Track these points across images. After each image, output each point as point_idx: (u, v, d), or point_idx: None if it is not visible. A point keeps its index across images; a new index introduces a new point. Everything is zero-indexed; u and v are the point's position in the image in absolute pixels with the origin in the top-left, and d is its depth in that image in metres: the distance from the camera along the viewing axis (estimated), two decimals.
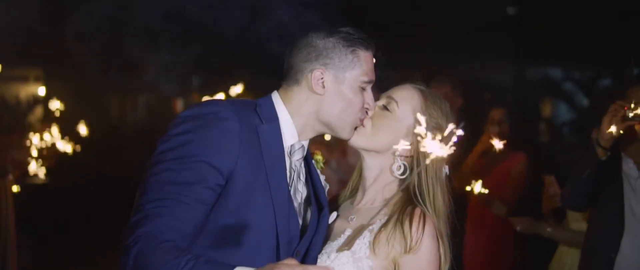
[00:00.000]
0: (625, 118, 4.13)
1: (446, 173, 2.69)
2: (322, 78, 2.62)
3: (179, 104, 13.27)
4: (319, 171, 2.84)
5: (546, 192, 5.11)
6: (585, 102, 10.65)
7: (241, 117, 2.53)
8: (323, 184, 2.83)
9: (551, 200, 5.08)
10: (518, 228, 5.16)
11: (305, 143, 2.70)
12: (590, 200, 4.46)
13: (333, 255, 2.65)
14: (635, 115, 4.08)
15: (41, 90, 8.95)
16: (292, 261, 2.22)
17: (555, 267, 5.18)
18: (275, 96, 2.67)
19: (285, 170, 2.63)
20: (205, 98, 12.72)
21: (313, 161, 2.80)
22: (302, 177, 2.73)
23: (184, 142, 2.47)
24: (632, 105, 4.07)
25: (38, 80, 10.48)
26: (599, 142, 4.24)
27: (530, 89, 10.52)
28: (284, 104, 2.65)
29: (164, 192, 2.41)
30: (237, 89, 9.86)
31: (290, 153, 2.66)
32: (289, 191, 2.64)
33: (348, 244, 2.61)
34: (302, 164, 2.72)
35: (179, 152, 2.46)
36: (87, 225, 8.91)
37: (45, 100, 8.42)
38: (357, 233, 2.62)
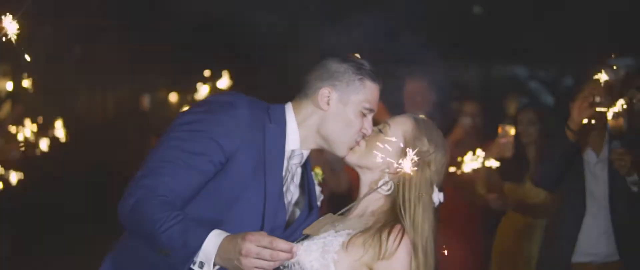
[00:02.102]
0: (593, 104, 4.69)
1: (440, 200, 2.99)
2: (328, 96, 2.96)
3: (146, 101, 13.22)
4: (315, 182, 3.18)
5: (497, 140, 5.44)
6: (550, 100, 10.82)
7: (253, 110, 2.89)
8: (318, 194, 3.16)
9: (500, 147, 5.44)
10: (493, 205, 5.51)
11: (305, 152, 3.03)
12: (559, 180, 4.98)
13: (306, 243, 2.91)
14: (602, 102, 4.67)
15: (9, 86, 8.91)
16: (263, 232, 2.60)
17: (526, 243, 5.47)
18: (288, 105, 3.02)
19: (282, 168, 2.94)
20: (172, 94, 12.72)
21: (312, 173, 3.15)
22: (296, 180, 3.05)
23: (198, 119, 2.86)
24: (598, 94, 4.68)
25: (6, 75, 10.41)
26: (570, 126, 4.78)
27: (496, 88, 10.66)
28: (294, 113, 2.99)
29: (170, 156, 2.81)
30: (204, 88, 9.89)
31: (289, 157, 2.97)
32: (282, 186, 2.95)
33: (312, 228, 2.91)
34: (299, 170, 3.05)
35: (191, 126, 2.85)
36: (61, 217, 8.92)
37: (13, 96, 8.40)
38: (328, 224, 2.94)
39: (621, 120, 4.75)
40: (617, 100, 4.87)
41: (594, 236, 4.93)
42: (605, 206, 4.92)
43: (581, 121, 4.75)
